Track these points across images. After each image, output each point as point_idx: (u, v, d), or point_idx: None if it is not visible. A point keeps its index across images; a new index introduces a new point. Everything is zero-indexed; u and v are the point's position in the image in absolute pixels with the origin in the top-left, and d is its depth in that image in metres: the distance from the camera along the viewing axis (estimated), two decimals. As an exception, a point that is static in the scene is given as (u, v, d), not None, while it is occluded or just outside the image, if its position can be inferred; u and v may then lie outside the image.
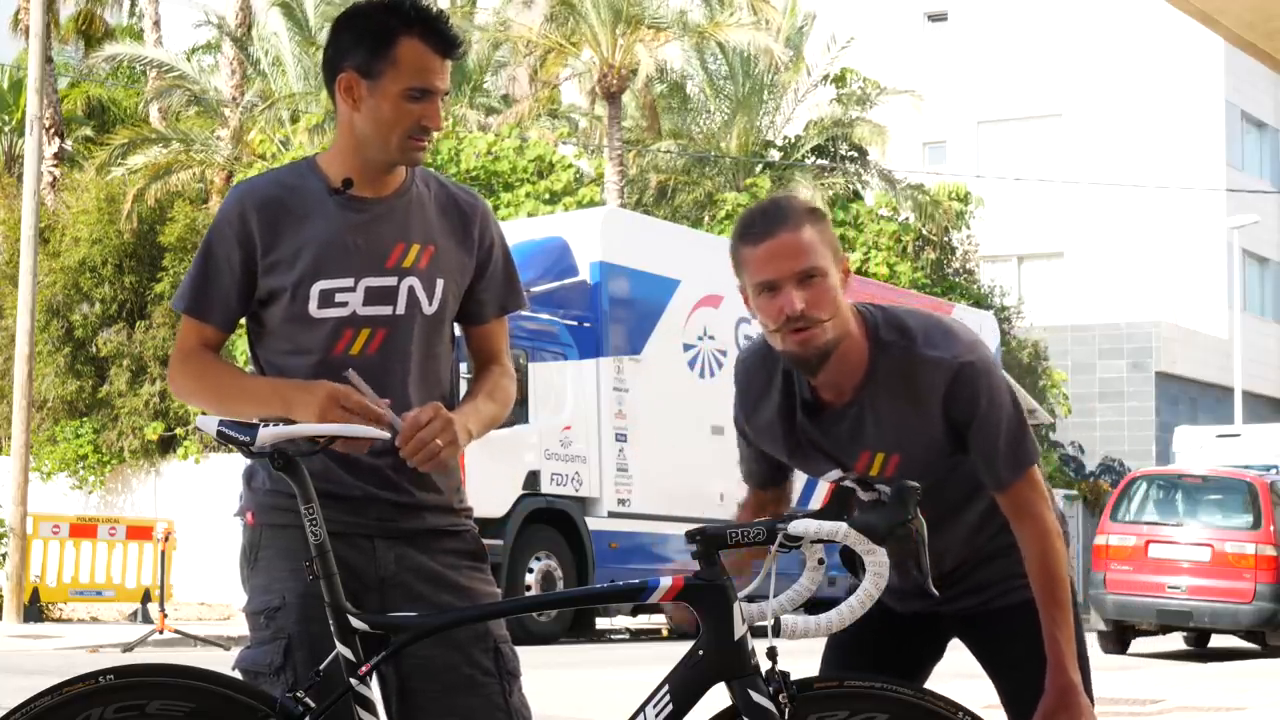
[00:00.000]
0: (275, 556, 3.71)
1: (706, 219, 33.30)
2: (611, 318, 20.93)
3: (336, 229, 3.72)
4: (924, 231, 35.90)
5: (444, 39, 3.66)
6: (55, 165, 34.21)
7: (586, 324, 20.69)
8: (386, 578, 3.72)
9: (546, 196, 29.45)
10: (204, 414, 3.52)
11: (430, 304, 3.81)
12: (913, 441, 3.67)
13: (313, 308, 3.70)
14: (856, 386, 3.71)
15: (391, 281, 3.75)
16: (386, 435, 3.55)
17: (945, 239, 36.93)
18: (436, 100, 3.68)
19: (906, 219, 35.88)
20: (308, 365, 3.71)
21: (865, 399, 3.70)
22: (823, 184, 34.69)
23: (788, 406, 3.81)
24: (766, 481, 4.11)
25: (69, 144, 37.12)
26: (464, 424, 3.64)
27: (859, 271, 31.21)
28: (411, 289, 3.76)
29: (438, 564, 3.76)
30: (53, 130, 33.55)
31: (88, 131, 39.56)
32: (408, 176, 3.82)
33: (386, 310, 3.76)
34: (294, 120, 32.26)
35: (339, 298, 3.71)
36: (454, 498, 3.87)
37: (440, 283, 3.81)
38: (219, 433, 3.41)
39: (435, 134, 3.79)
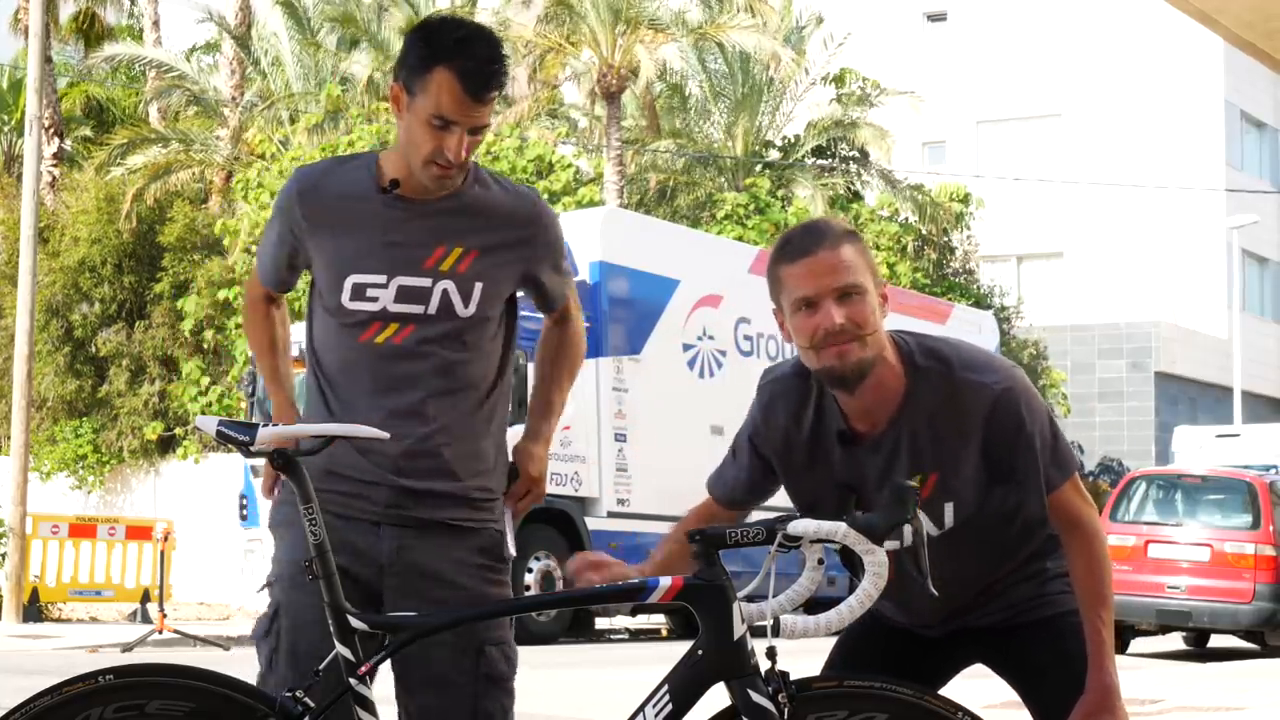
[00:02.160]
0: (283, 529, 3.89)
1: (706, 219, 33.30)
2: (611, 317, 20.92)
3: (376, 226, 3.81)
4: (924, 232, 35.90)
5: (476, 80, 3.70)
6: (55, 165, 34.22)
7: (586, 324, 20.63)
8: (385, 565, 3.79)
9: (546, 196, 29.41)
10: (203, 414, 3.55)
11: (466, 307, 3.86)
12: (950, 470, 3.63)
13: (345, 298, 3.82)
14: (892, 416, 3.67)
15: (426, 283, 3.81)
16: (387, 436, 3.57)
17: (945, 239, 36.93)
18: (460, 133, 3.72)
19: (906, 219, 35.88)
20: (339, 344, 3.86)
21: (902, 427, 3.66)
22: (822, 184, 34.69)
23: (817, 434, 3.77)
24: (737, 500, 4.02)
25: (68, 144, 37.16)
26: (542, 469, 3.91)
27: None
28: (446, 292, 3.82)
29: (443, 562, 3.79)
30: (52, 130, 33.56)
31: (87, 131, 39.59)
32: (466, 179, 3.87)
33: (418, 309, 3.83)
34: (293, 120, 32.25)
35: (370, 292, 3.81)
36: (475, 487, 3.90)
37: (480, 286, 3.87)
38: (218, 432, 3.42)
39: (467, 162, 3.83)
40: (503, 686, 3.97)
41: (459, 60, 3.68)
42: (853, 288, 3.57)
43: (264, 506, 4.62)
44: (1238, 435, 30.73)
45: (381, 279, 3.80)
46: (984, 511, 3.67)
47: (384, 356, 3.74)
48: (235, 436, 3.40)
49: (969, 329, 27.60)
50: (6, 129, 40.22)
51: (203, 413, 24.17)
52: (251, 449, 3.40)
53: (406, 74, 3.74)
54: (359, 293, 3.79)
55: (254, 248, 29.08)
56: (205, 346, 29.52)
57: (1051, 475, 3.68)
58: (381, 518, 3.79)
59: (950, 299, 31.57)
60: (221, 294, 29.02)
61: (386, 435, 3.56)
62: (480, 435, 3.90)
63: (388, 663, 3.55)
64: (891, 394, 3.66)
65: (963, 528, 3.66)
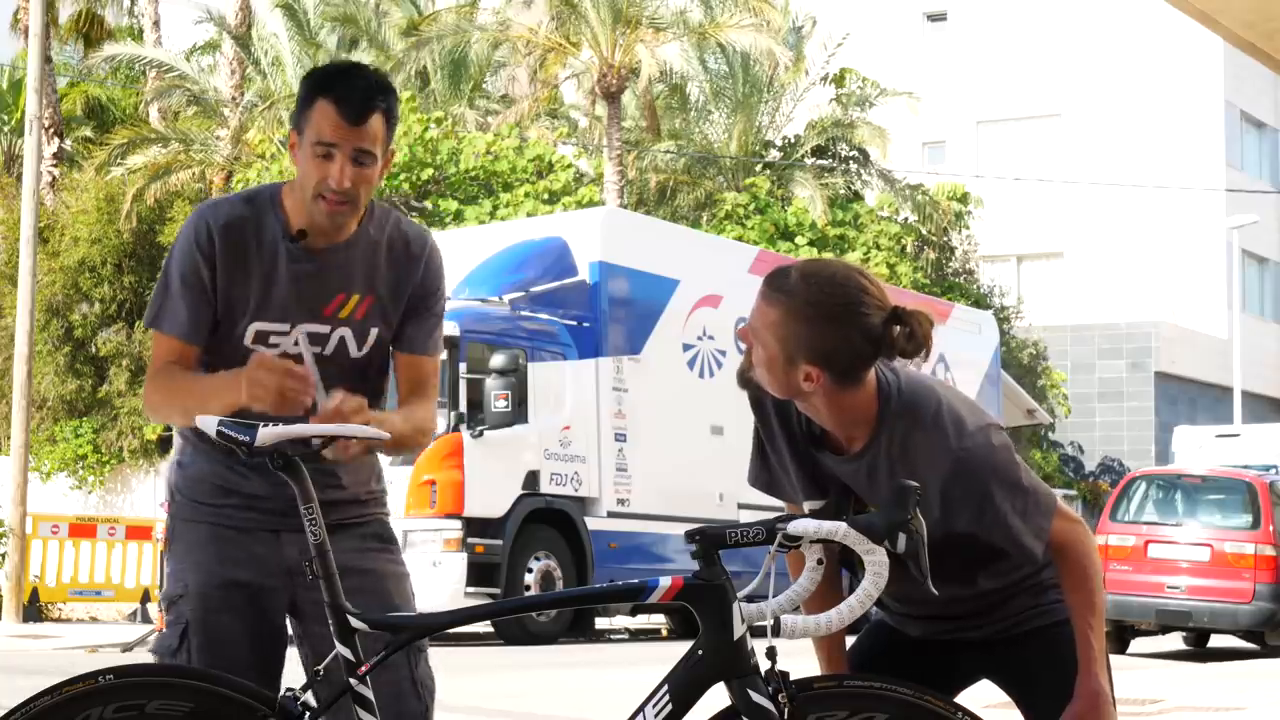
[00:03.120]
0: (184, 549, 3.99)
1: (706, 219, 33.30)
2: (611, 318, 20.91)
3: (284, 275, 3.91)
4: (924, 232, 35.90)
5: (351, 105, 3.82)
6: (55, 165, 34.23)
7: (586, 324, 20.67)
8: (291, 567, 3.87)
9: (546, 196, 29.45)
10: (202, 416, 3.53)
11: (359, 350, 4.01)
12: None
13: (246, 340, 3.92)
14: (860, 445, 3.67)
15: (325, 329, 3.96)
16: (387, 436, 3.59)
17: (945, 239, 36.94)
18: (342, 159, 3.82)
19: (906, 219, 35.88)
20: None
21: (868, 459, 3.67)
22: (822, 184, 34.68)
23: (790, 435, 3.80)
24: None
25: (68, 144, 37.16)
26: (380, 425, 3.69)
27: (858, 271, 31.14)
28: (343, 338, 3.97)
29: (347, 554, 3.82)
30: (52, 130, 33.57)
31: (87, 131, 39.58)
32: (361, 222, 3.98)
33: (315, 350, 3.93)
34: (293, 120, 32.21)
35: (273, 339, 3.89)
36: (363, 490, 4.07)
37: (374, 331, 4.01)
38: (219, 433, 3.42)
39: (357, 195, 3.87)
40: (423, 651, 4.03)
41: (336, 88, 3.83)
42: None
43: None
44: (1238, 435, 30.72)
45: (285, 327, 3.93)
46: (941, 548, 3.65)
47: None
48: (235, 436, 3.41)
49: (969, 329, 27.60)
50: (6, 129, 40.22)
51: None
52: (252, 449, 3.40)
53: (296, 116, 3.90)
54: (261, 338, 3.90)
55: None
56: (205, 346, 29.49)
57: (1039, 525, 3.68)
58: (280, 526, 3.90)
59: (950, 299, 31.56)
60: (221, 294, 28.97)
61: (388, 435, 3.59)
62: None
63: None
64: (858, 424, 3.66)
65: (937, 562, 3.65)
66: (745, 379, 3.69)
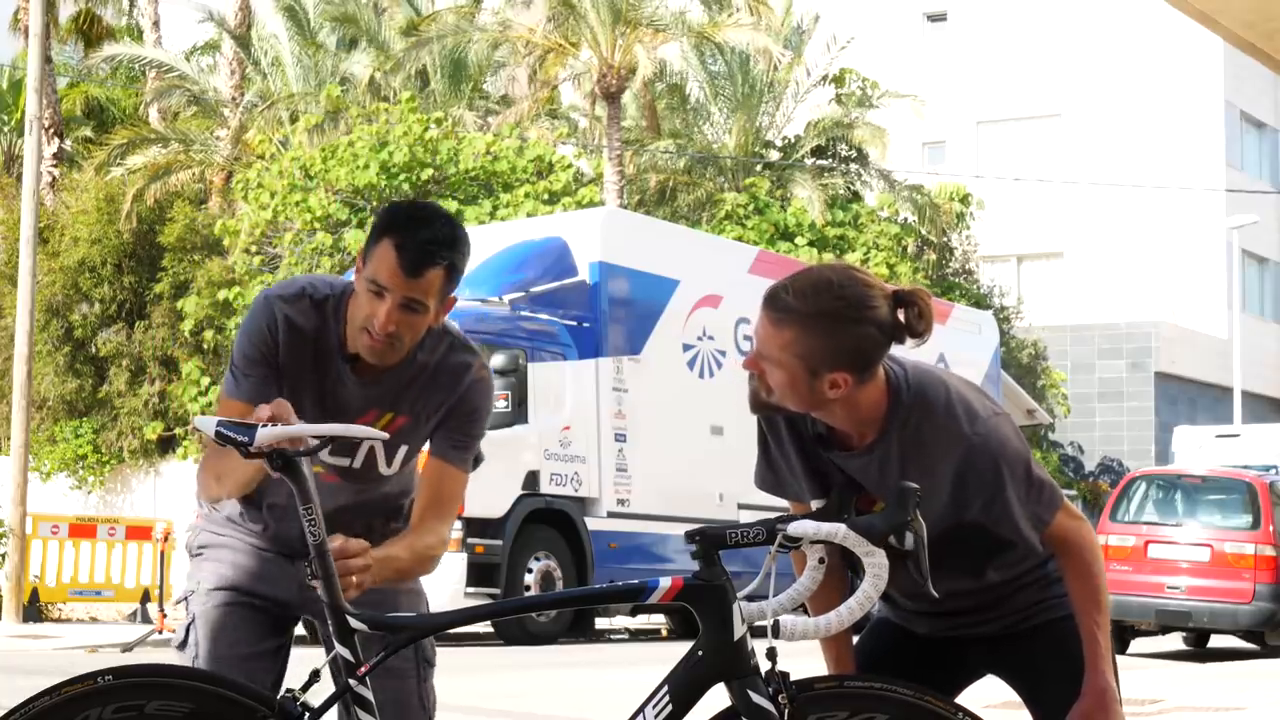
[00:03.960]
0: (203, 559, 4.18)
1: (706, 219, 33.29)
2: (611, 318, 20.91)
3: (329, 383, 3.97)
4: (923, 232, 35.90)
5: (411, 256, 3.80)
6: (54, 165, 34.24)
7: (586, 324, 20.67)
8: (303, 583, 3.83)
9: (546, 197, 29.44)
10: (203, 414, 3.54)
11: (388, 466, 4.08)
12: (925, 504, 3.61)
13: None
14: (871, 439, 3.67)
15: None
16: (385, 436, 3.60)
17: (945, 239, 36.94)
18: (390, 303, 3.82)
19: (906, 220, 35.87)
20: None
21: (879, 453, 3.67)
22: (822, 185, 34.68)
23: (798, 435, 3.80)
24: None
25: (68, 144, 37.17)
26: (379, 570, 3.69)
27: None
28: (372, 450, 4.03)
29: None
30: (52, 130, 33.57)
31: (87, 131, 39.59)
32: (409, 353, 3.98)
33: (345, 462, 4.04)
34: (293, 120, 32.25)
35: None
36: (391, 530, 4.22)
37: (404, 449, 4.08)
38: (218, 433, 3.41)
39: (402, 339, 3.89)
40: (433, 666, 4.17)
41: (401, 235, 3.81)
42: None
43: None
44: (1237, 435, 30.72)
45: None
46: (949, 540, 3.65)
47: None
48: (234, 437, 3.40)
49: (969, 329, 27.59)
50: (6, 129, 40.23)
51: (202, 413, 24.00)
52: (251, 450, 3.40)
53: (366, 246, 3.90)
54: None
55: (254, 248, 29.12)
56: (205, 347, 29.52)
57: (1040, 516, 3.69)
58: (295, 552, 3.97)
59: (950, 299, 31.55)
60: (221, 294, 29.01)
61: (386, 435, 3.60)
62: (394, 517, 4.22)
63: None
64: (870, 420, 3.66)
65: (946, 555, 3.65)
66: (763, 404, 3.68)
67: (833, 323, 3.51)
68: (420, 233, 3.82)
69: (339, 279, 4.08)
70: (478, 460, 4.11)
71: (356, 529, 3.79)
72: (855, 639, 4.02)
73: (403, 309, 3.82)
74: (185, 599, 4.16)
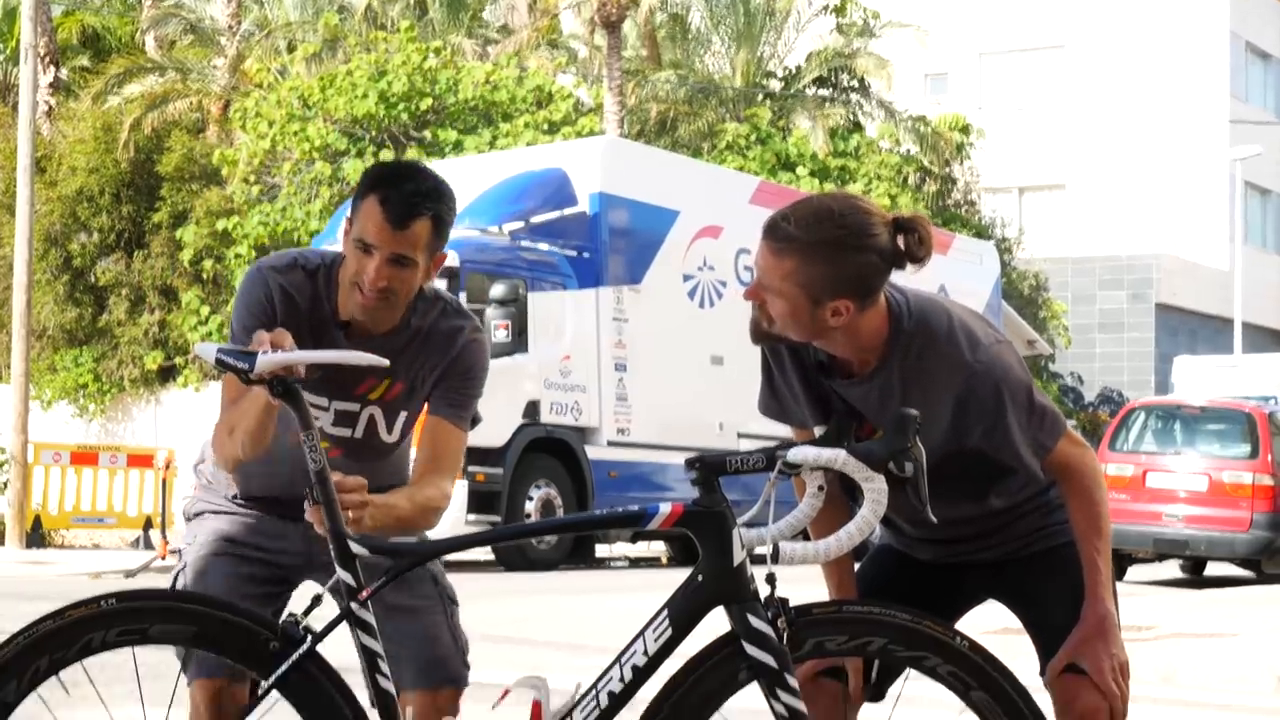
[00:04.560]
0: (200, 520, 4.21)
1: (707, 150, 33.21)
2: (611, 248, 20.90)
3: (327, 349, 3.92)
4: (925, 163, 35.81)
5: (396, 208, 3.84)
6: (51, 94, 34.09)
7: (586, 254, 20.66)
8: (305, 534, 3.86)
9: (545, 127, 29.35)
10: (203, 341, 3.56)
11: (389, 434, 4.09)
12: (925, 431, 3.62)
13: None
14: (873, 366, 3.67)
15: (354, 408, 4.03)
16: (386, 363, 3.59)
17: (946, 170, 36.84)
18: (379, 259, 3.85)
19: (908, 150, 35.77)
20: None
21: (880, 380, 3.67)
22: (823, 114, 34.57)
23: (801, 362, 3.80)
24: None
25: (64, 73, 36.97)
26: (375, 513, 3.66)
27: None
28: (372, 417, 4.04)
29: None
30: (48, 59, 33.42)
31: (83, 61, 39.40)
32: (406, 313, 4.02)
33: (346, 433, 4.05)
34: (290, 49, 32.13)
35: (313, 413, 3.78)
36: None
37: (403, 415, 4.08)
38: (218, 360, 3.42)
39: (392, 294, 3.91)
40: (457, 605, 4.17)
41: (385, 190, 3.86)
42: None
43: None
44: (1237, 366, 30.74)
45: (324, 401, 4.00)
46: (949, 465, 3.66)
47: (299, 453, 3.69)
48: (234, 364, 3.40)
49: (970, 260, 27.56)
50: (2, 58, 40.04)
51: (202, 340, 24.07)
52: (251, 376, 3.40)
53: (352, 208, 3.93)
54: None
55: (252, 178, 29.06)
56: (204, 276, 29.50)
57: (1041, 442, 3.69)
58: (296, 516, 3.90)
59: (951, 230, 31.50)
60: (220, 224, 28.97)
61: (385, 362, 3.59)
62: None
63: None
64: (871, 348, 3.66)
65: (947, 483, 3.66)
66: (764, 334, 3.69)
67: (834, 251, 3.51)
68: (404, 185, 3.88)
69: (328, 251, 4.11)
70: (475, 421, 4.11)
71: None
72: (856, 566, 4.04)
73: (392, 264, 3.85)
74: (179, 552, 4.19)
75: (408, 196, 3.86)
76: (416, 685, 3.97)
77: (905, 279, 3.76)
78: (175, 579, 4.10)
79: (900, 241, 3.56)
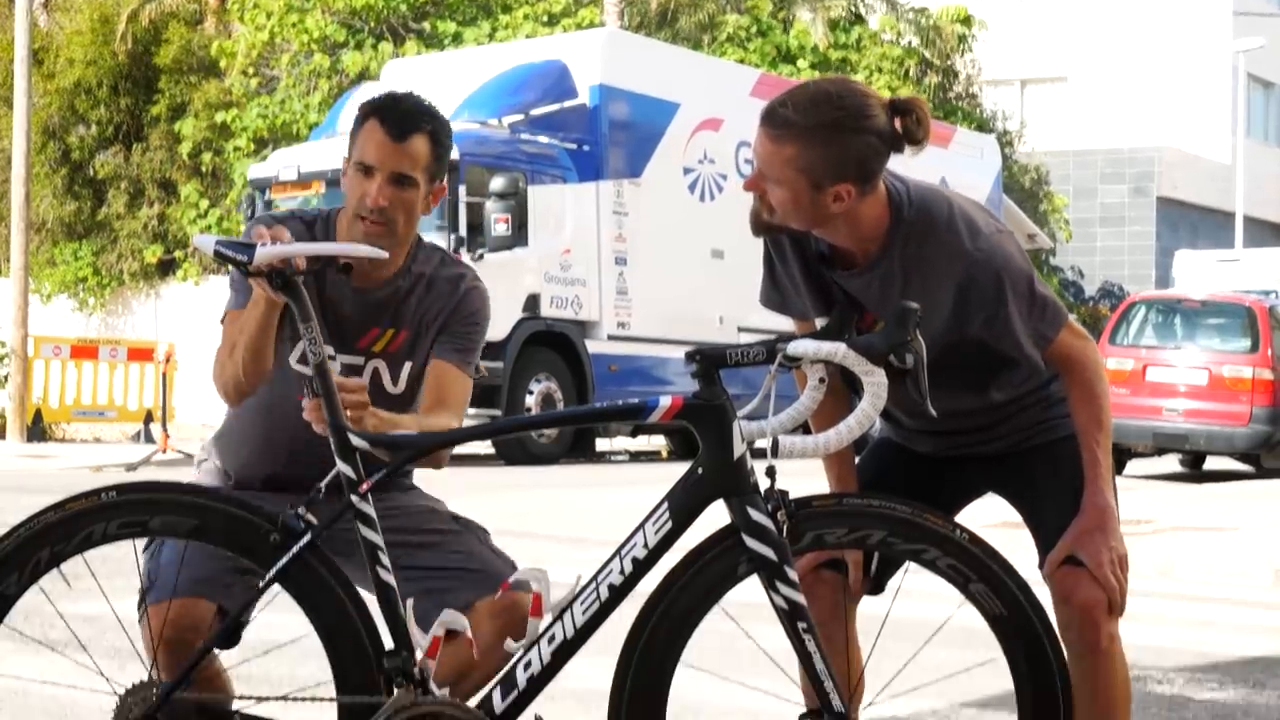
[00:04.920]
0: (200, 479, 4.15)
1: (707, 42, 32.98)
2: (611, 141, 20.83)
3: (329, 301, 3.93)
4: (926, 55, 35.57)
5: (394, 123, 3.89)
6: (48, -15, 33.83)
7: (586, 147, 20.59)
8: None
9: (545, 19, 29.15)
10: (202, 234, 3.54)
11: (395, 385, 4.03)
12: (926, 321, 3.60)
13: (293, 358, 3.93)
14: (873, 256, 3.65)
15: (359, 361, 3.99)
16: (385, 255, 3.58)
17: (948, 63, 36.61)
18: (380, 179, 3.86)
19: (909, 43, 35.53)
20: (269, 394, 3.93)
21: (881, 270, 3.65)
22: (824, 6, 34.31)
23: (802, 253, 3.78)
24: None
25: (62, -37, 36.65)
26: (377, 423, 3.63)
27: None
28: (376, 370, 3.99)
29: (404, 518, 3.99)
30: (45, -51, 33.13)
31: (81, -50, 39.05)
32: (405, 261, 4.01)
33: None
34: (290, -61, 31.79)
35: None
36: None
37: (409, 365, 4.03)
38: (216, 252, 3.41)
39: (395, 219, 3.90)
40: (488, 533, 4.15)
41: (383, 109, 3.92)
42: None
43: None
44: (1238, 260, 30.69)
45: (329, 351, 3.90)
46: (950, 357, 3.65)
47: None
48: (233, 256, 3.40)
49: (971, 153, 27.46)
50: (-1, -52, 39.71)
51: (201, 233, 23.89)
52: (249, 269, 3.40)
53: (350, 141, 3.96)
54: (305, 359, 3.79)
55: (251, 70, 28.88)
56: (203, 169, 29.41)
57: (1042, 333, 3.67)
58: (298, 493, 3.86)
59: (952, 123, 31.36)
60: (219, 117, 28.83)
61: (386, 254, 3.59)
62: None
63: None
64: (872, 237, 3.64)
65: (948, 374, 3.66)
66: (765, 224, 3.67)
67: (833, 133, 3.48)
68: (402, 104, 3.94)
69: (324, 208, 4.11)
70: (477, 370, 4.11)
71: None
72: (856, 459, 4.04)
73: (393, 184, 3.87)
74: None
75: (406, 112, 3.91)
76: (481, 596, 3.86)
77: (906, 170, 3.75)
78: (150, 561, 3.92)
79: (898, 124, 3.54)
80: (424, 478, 4.19)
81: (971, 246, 3.59)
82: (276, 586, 3.38)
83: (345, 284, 3.95)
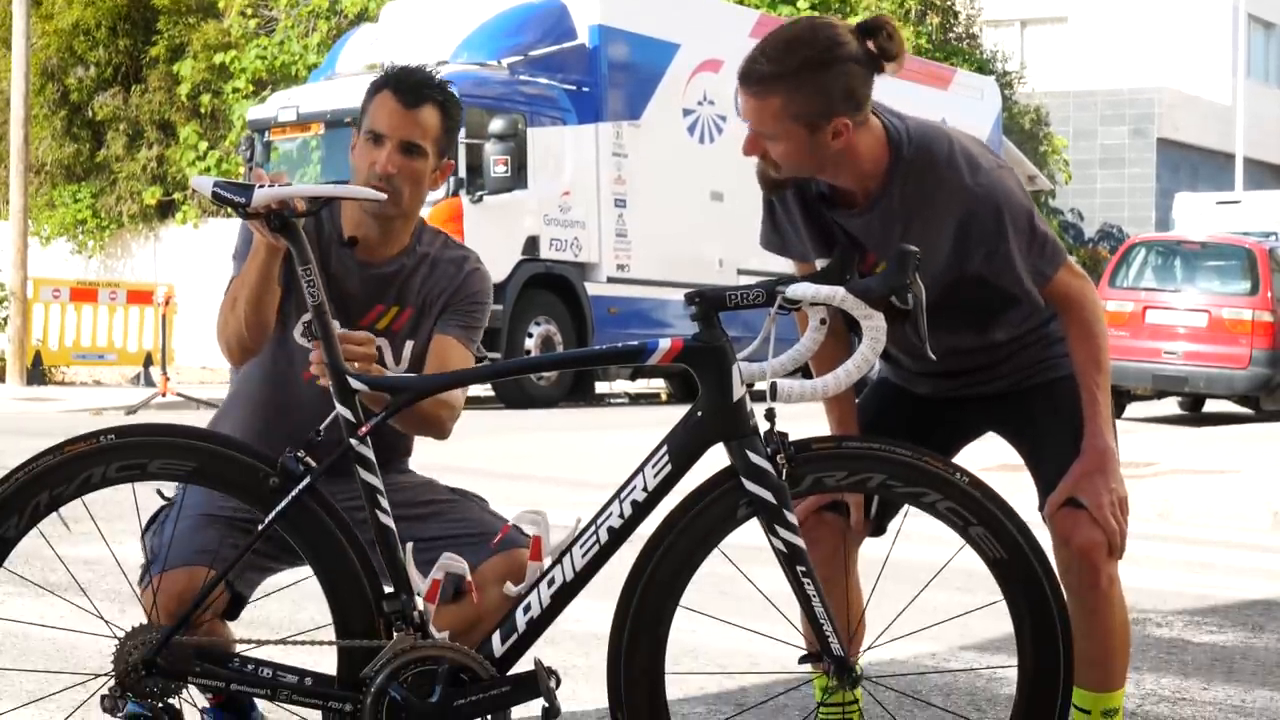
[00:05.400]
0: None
1: (707, -18, 32.80)
2: (610, 82, 20.77)
3: (332, 275, 3.92)
4: (927, -5, 35.40)
5: (407, 92, 3.93)
6: (45, -75, 33.61)
7: (585, 89, 20.52)
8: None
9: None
10: (200, 175, 3.53)
11: (397, 364, 4.02)
12: (928, 258, 3.59)
13: (296, 333, 3.94)
14: (874, 194, 3.64)
15: None
16: (383, 197, 3.58)
17: (948, 3, 36.46)
18: (390, 147, 3.89)
19: (910, -18, 35.35)
20: (273, 368, 3.96)
21: (881, 208, 3.64)
22: (825, -54, 34.10)
23: (802, 193, 3.77)
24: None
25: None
26: (381, 370, 3.69)
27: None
28: (379, 349, 3.92)
29: (412, 491, 4.04)
30: (42, -111, 32.91)
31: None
32: (410, 241, 4.02)
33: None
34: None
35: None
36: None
37: (410, 345, 4.03)
38: (215, 194, 3.40)
39: (402, 189, 3.91)
40: (486, 501, 4.15)
41: (395, 80, 3.98)
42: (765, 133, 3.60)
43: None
44: (1238, 202, 30.64)
45: (335, 325, 3.83)
46: (951, 295, 3.64)
47: (320, 398, 3.60)
48: (231, 197, 3.38)
49: (971, 95, 27.39)
50: (-5, -112, 39.47)
51: (199, 174, 23.85)
52: (247, 210, 3.38)
53: (360, 112, 3.99)
54: (309, 331, 3.84)
55: (249, 11, 28.75)
56: (202, 111, 29.32)
57: (1040, 270, 3.66)
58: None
59: (953, 64, 31.26)
60: (218, 58, 28.73)
61: (384, 197, 3.58)
62: None
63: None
64: (873, 175, 3.63)
65: (950, 312, 3.66)
66: (774, 182, 3.68)
67: (814, 71, 3.49)
68: (415, 74, 3.99)
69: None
70: (480, 354, 4.12)
71: None
72: (856, 400, 4.04)
73: (402, 153, 3.88)
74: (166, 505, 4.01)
75: (419, 82, 3.96)
76: (484, 560, 3.83)
77: (910, 111, 3.73)
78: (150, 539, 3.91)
79: (871, 45, 3.53)
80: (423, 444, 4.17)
81: (972, 182, 3.59)
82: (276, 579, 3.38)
83: (350, 259, 3.96)
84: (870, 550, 4.01)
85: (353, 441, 3.38)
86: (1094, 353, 3.71)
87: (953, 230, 3.60)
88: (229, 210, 3.47)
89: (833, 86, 3.49)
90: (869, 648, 3.89)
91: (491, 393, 20.74)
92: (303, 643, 3.47)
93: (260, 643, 3.52)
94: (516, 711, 3.40)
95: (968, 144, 3.68)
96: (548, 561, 3.38)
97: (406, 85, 3.93)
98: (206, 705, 3.88)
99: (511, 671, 3.38)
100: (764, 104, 3.54)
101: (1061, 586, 3.47)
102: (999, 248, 3.61)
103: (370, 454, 3.39)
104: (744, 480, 3.32)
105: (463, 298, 4.04)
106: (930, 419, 4.01)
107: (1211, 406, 21.44)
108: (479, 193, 18.83)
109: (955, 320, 3.71)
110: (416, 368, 4.02)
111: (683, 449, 3.35)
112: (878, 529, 3.97)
